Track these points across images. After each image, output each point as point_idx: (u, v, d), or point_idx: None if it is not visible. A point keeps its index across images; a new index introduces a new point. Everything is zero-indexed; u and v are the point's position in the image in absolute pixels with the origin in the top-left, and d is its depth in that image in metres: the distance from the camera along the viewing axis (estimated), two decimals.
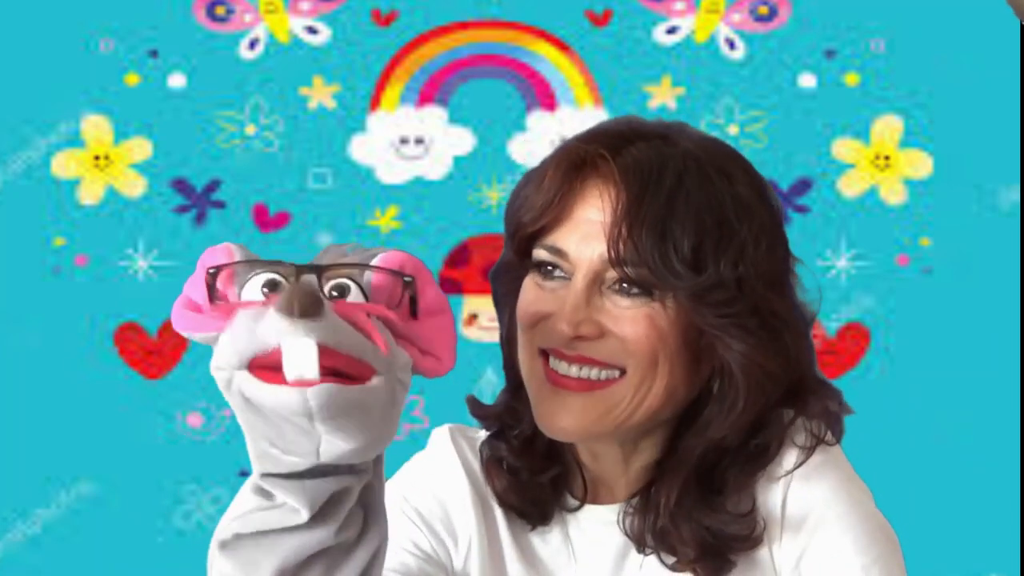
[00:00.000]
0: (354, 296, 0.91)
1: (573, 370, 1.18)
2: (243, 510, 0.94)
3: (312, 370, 0.84)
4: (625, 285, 1.17)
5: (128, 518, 2.59)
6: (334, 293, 0.91)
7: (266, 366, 0.86)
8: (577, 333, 1.17)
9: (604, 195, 1.18)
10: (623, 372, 1.18)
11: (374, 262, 0.93)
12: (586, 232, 1.18)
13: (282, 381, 0.85)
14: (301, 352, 0.84)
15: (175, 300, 0.94)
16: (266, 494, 0.93)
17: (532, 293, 1.21)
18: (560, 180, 1.20)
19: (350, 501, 0.93)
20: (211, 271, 0.91)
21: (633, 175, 1.17)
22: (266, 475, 0.92)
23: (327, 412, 0.85)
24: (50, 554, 2.59)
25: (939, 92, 2.61)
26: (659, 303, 1.17)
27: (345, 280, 0.91)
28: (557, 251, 1.19)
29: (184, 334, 0.93)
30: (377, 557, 0.95)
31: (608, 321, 1.17)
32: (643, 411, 1.19)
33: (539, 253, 1.21)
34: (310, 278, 0.90)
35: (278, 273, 0.90)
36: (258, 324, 0.86)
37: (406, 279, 0.93)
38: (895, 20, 2.61)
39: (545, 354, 1.20)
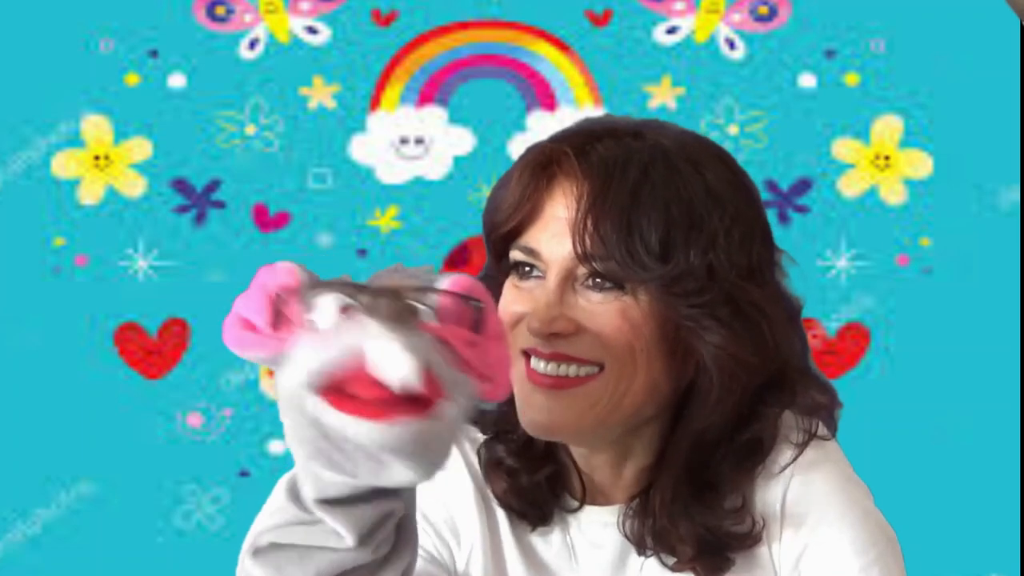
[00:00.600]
0: (427, 319, 0.90)
1: (551, 368, 1.18)
2: (281, 520, 0.94)
3: (412, 376, 0.84)
4: (596, 280, 1.17)
5: (128, 518, 2.59)
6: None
7: (338, 391, 0.86)
8: (551, 330, 1.17)
9: (570, 192, 1.18)
10: (601, 368, 1.18)
11: (441, 286, 0.93)
12: (555, 230, 1.18)
13: (359, 411, 0.85)
14: (398, 358, 0.84)
15: (226, 319, 0.92)
16: (300, 500, 0.93)
17: (510, 294, 1.21)
18: (527, 180, 1.20)
19: (392, 523, 0.93)
20: (279, 295, 0.90)
21: (597, 170, 1.17)
22: (319, 501, 0.91)
23: (407, 449, 0.85)
24: (50, 554, 2.59)
25: (939, 92, 2.61)
26: (631, 297, 1.17)
27: (418, 305, 0.90)
28: (530, 251, 1.20)
29: (242, 355, 0.91)
30: (407, 573, 0.96)
31: (582, 317, 1.17)
32: (625, 407, 1.19)
33: (514, 254, 1.21)
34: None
35: (351, 296, 0.89)
36: (342, 332, 0.85)
37: (477, 305, 0.93)
38: (895, 20, 2.61)
39: (527, 355, 1.20)
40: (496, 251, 1.24)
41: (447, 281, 0.93)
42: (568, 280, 1.18)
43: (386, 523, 0.93)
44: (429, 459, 0.86)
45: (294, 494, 0.93)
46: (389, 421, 0.84)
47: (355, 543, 0.91)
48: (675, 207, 1.16)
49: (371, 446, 0.85)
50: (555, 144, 1.21)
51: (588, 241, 1.16)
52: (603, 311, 1.17)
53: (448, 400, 0.86)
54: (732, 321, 1.17)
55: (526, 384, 1.19)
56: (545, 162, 1.20)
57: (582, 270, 1.17)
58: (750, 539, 1.21)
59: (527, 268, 1.21)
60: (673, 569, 1.22)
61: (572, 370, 1.18)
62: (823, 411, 1.25)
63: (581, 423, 1.19)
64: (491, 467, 1.28)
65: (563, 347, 1.18)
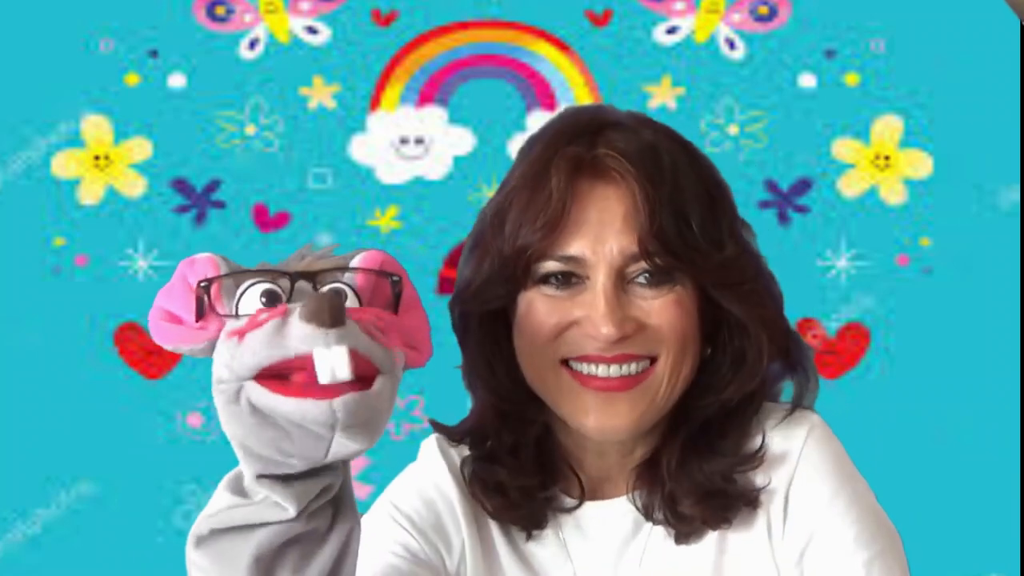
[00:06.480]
0: (351, 300, 0.94)
1: (613, 370, 1.19)
2: (220, 506, 0.98)
3: (346, 374, 0.88)
4: (649, 276, 1.18)
5: (128, 518, 2.59)
6: None
7: (274, 376, 0.90)
8: (623, 333, 1.17)
9: (611, 194, 1.18)
10: (653, 360, 1.19)
11: (355, 263, 0.96)
12: (597, 233, 1.18)
13: (297, 392, 0.89)
14: (335, 359, 0.88)
15: (151, 313, 0.96)
16: (242, 492, 0.96)
17: (546, 305, 1.20)
18: (563, 188, 1.18)
19: (329, 496, 0.97)
20: (203, 284, 0.92)
21: (636, 166, 1.18)
22: (262, 476, 0.94)
23: (351, 420, 0.89)
24: (50, 554, 2.59)
25: (939, 92, 2.61)
26: (681, 286, 1.19)
27: (340, 285, 0.95)
28: (568, 258, 1.19)
29: (169, 347, 0.95)
30: (350, 543, 0.99)
31: (640, 314, 1.18)
32: (678, 390, 1.21)
33: (548, 266, 1.20)
34: (334, 287, 0.92)
35: (274, 283, 0.91)
36: (283, 334, 0.88)
37: (394, 279, 0.97)
38: (895, 20, 2.61)
39: (566, 362, 1.20)
40: (518, 271, 1.20)
41: (360, 258, 0.96)
42: (619, 280, 1.18)
43: (323, 496, 0.96)
44: (369, 431, 0.91)
45: (235, 486, 0.98)
46: (330, 398, 0.89)
47: (296, 513, 0.95)
48: (701, 189, 1.19)
49: (313, 423, 0.89)
50: (574, 148, 1.20)
51: (651, 239, 1.16)
52: (660, 305, 1.18)
53: (381, 375, 0.91)
54: (761, 290, 1.22)
55: (582, 392, 1.19)
56: (572, 169, 1.19)
57: (632, 268, 1.18)
58: (752, 493, 1.22)
59: (562, 277, 1.20)
60: (677, 542, 1.23)
61: (632, 368, 1.19)
62: (807, 374, 1.27)
63: (647, 416, 1.21)
64: (480, 486, 1.27)
65: (626, 347, 1.18)
